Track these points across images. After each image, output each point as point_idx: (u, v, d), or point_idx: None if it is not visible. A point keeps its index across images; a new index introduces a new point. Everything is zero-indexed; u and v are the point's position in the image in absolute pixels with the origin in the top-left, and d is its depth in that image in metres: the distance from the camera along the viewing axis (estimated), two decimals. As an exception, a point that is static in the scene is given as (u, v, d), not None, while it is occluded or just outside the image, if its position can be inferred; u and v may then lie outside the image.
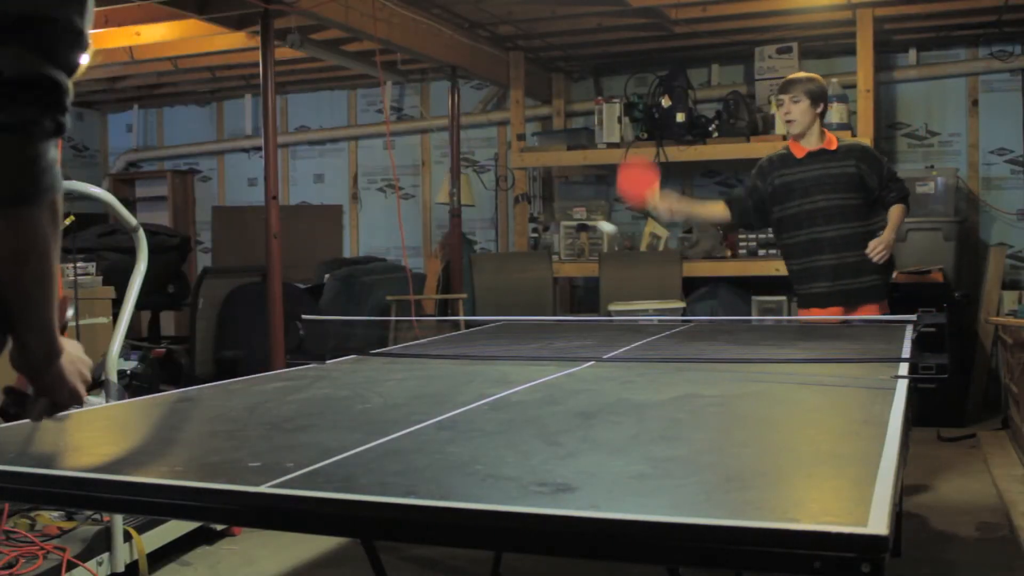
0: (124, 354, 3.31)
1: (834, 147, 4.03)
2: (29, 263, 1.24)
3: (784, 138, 6.11)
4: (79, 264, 4.90)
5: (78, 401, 1.50)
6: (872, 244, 3.94)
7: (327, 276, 7.08)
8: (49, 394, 1.47)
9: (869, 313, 3.97)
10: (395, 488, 1.36)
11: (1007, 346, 5.58)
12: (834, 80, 6.29)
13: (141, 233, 3.33)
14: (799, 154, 4.06)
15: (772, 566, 1.12)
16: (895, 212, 4.00)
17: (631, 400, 2.11)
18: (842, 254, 4.01)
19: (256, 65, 4.91)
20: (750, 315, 6.30)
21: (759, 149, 6.18)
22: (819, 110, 4.01)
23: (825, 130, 4.09)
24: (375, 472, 1.47)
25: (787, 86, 4.04)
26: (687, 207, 4.33)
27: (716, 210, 4.33)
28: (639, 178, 4.07)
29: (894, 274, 4.28)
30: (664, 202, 4.07)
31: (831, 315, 3.99)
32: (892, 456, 1.44)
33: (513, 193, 7.26)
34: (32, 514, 3.35)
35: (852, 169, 3.99)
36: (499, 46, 6.76)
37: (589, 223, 6.91)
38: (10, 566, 3.00)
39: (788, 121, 4.03)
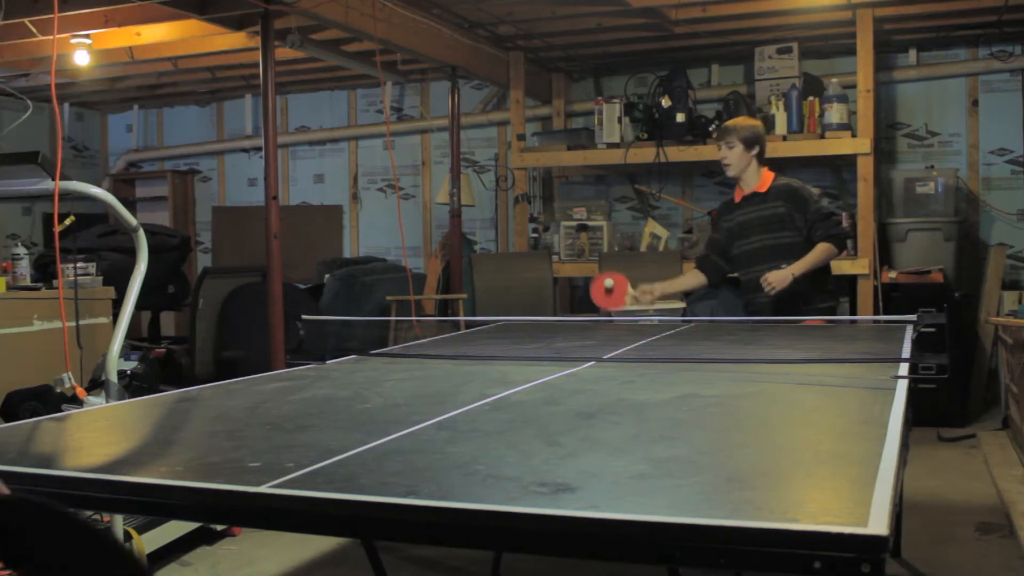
0: (124, 354, 3.30)
1: (764, 189, 4.22)
2: None
3: (784, 138, 6.15)
4: (79, 264, 4.90)
5: None
6: (766, 276, 4.04)
7: (327, 276, 7.08)
8: None
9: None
10: (395, 488, 1.36)
11: (1007, 346, 5.58)
12: (834, 80, 6.29)
13: (141, 233, 3.33)
14: (737, 198, 4.31)
15: (772, 566, 1.12)
16: (815, 249, 4.07)
17: (631, 400, 2.11)
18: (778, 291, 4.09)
19: (256, 65, 4.91)
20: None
21: (759, 149, 6.19)
22: (754, 152, 4.20)
23: (764, 170, 4.25)
24: (375, 472, 1.48)
25: (722, 133, 4.26)
26: (667, 289, 4.47)
27: (693, 279, 4.56)
28: (614, 290, 4.32)
29: (836, 301, 4.37)
30: (645, 297, 4.33)
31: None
32: (892, 456, 1.44)
33: (513, 193, 7.26)
34: (32, 514, 3.34)
35: (781, 209, 4.15)
36: (499, 46, 6.76)
37: (590, 223, 6.91)
38: (10, 566, 3.00)
39: (725, 165, 4.24)
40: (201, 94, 8.60)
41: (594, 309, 6.69)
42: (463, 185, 6.96)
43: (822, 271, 4.16)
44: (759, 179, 4.23)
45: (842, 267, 6.11)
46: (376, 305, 6.67)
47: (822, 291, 4.19)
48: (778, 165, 6.93)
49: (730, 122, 4.36)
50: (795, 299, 4.07)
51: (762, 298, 4.10)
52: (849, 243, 5.75)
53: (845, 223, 4.50)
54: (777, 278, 4.00)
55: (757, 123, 4.34)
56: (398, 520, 1.28)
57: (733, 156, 4.19)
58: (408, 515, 1.26)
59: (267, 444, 1.72)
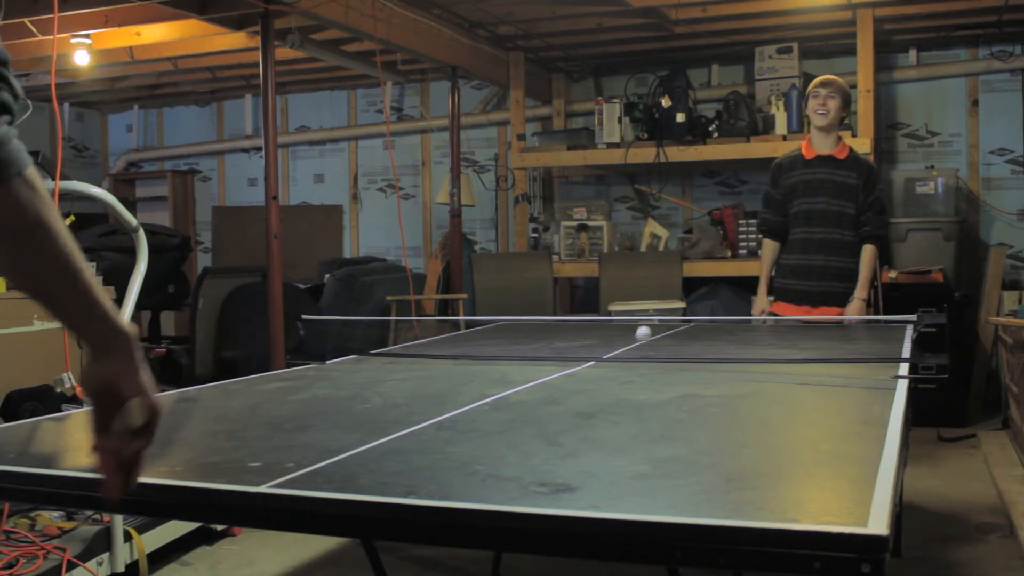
0: (124, 354, 3.29)
1: (843, 156, 4.23)
2: (36, 238, 1.10)
3: (784, 138, 6.14)
4: (79, 264, 4.88)
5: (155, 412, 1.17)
6: (851, 309, 4.15)
7: (327, 276, 7.08)
8: (138, 392, 1.14)
9: (829, 313, 4.19)
10: (395, 488, 1.36)
11: (1007, 346, 5.58)
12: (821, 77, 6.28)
13: (141, 233, 3.33)
14: (808, 155, 4.26)
15: (772, 566, 1.12)
16: (865, 259, 4.20)
17: (631, 400, 2.11)
18: (829, 257, 4.22)
19: (256, 65, 4.91)
20: (750, 315, 6.29)
21: (759, 149, 6.20)
22: (844, 113, 4.26)
23: (841, 136, 4.30)
24: (375, 472, 1.47)
25: (825, 83, 4.23)
26: (766, 280, 4.46)
27: (772, 254, 4.46)
28: None
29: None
30: (760, 305, 4.43)
31: (796, 313, 4.23)
32: (892, 456, 1.44)
33: (513, 193, 7.26)
34: (32, 514, 3.35)
35: (854, 180, 4.19)
36: (499, 46, 6.75)
37: (590, 223, 6.91)
38: (10, 566, 3.00)
39: (820, 113, 4.19)
40: (201, 94, 8.60)
41: (594, 309, 6.69)
42: (463, 185, 6.96)
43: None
44: (838, 144, 4.24)
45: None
46: (376, 305, 6.67)
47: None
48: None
49: (829, 76, 4.37)
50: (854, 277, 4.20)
51: (804, 285, 4.22)
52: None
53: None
54: (856, 312, 4.14)
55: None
56: (398, 520, 1.28)
57: (832, 106, 4.18)
58: (408, 515, 1.26)
59: (267, 444, 1.72)
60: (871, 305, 4.56)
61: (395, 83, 8.05)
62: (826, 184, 4.21)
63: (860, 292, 4.16)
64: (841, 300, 4.20)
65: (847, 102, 4.26)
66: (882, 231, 4.25)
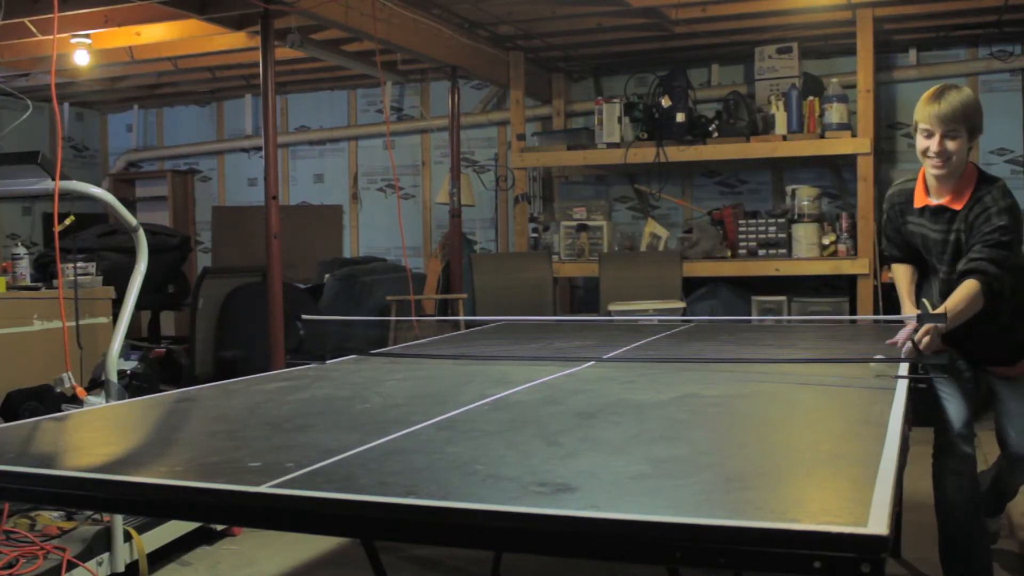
0: (124, 354, 3.30)
1: (960, 206, 2.92)
2: None
3: (784, 138, 6.14)
4: (79, 264, 4.90)
5: None
6: (920, 338, 2.76)
7: (327, 276, 7.08)
8: None
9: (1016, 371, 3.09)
10: (395, 488, 1.36)
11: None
12: (834, 80, 6.29)
13: (141, 233, 3.33)
14: (917, 203, 3.04)
15: (772, 566, 1.12)
16: (956, 293, 2.84)
17: (631, 400, 2.11)
18: (971, 326, 2.89)
19: (256, 65, 4.91)
20: (750, 315, 6.30)
21: (759, 149, 6.20)
22: (971, 145, 2.90)
23: (967, 168, 2.93)
24: (375, 472, 1.47)
25: (944, 117, 2.81)
26: (908, 295, 3.21)
27: (909, 274, 3.22)
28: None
29: None
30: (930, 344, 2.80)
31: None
32: (892, 456, 1.44)
33: (513, 193, 7.25)
34: (32, 514, 3.35)
35: (964, 235, 2.94)
36: (499, 46, 6.75)
37: (590, 223, 6.91)
38: (10, 566, 3.00)
39: (935, 165, 2.87)
40: (201, 94, 8.60)
41: (594, 309, 6.69)
42: (463, 185, 6.96)
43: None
44: (957, 185, 2.92)
45: (842, 267, 6.12)
46: (376, 305, 6.67)
47: None
48: (778, 165, 7.00)
49: (950, 98, 2.82)
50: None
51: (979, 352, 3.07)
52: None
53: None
54: (927, 334, 2.76)
55: (975, 98, 2.90)
56: (398, 520, 1.28)
57: (955, 148, 2.83)
58: (408, 515, 1.26)
59: (267, 444, 1.72)
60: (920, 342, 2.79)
61: (395, 83, 8.05)
62: (939, 247, 3.01)
63: (940, 326, 2.74)
64: (1000, 360, 3.09)
65: (977, 128, 2.87)
66: (988, 266, 2.80)
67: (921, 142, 2.88)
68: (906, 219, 3.11)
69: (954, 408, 2.98)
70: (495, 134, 7.94)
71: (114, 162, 9.16)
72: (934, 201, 2.97)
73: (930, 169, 2.91)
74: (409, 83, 8.09)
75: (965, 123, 2.82)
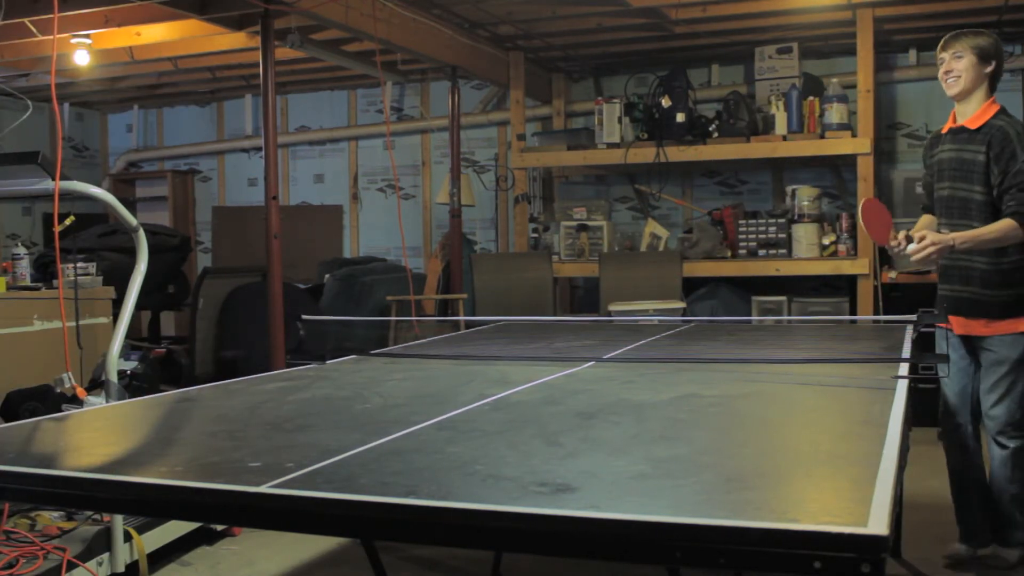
0: (124, 354, 3.30)
1: (976, 126, 3.28)
2: None
3: (784, 138, 6.14)
4: (79, 264, 4.90)
5: None
6: (922, 233, 3.17)
7: (327, 276, 7.08)
8: None
9: (1003, 330, 3.29)
10: (395, 488, 1.36)
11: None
12: (834, 80, 6.29)
13: (141, 233, 3.33)
14: (944, 129, 3.43)
15: (772, 566, 1.12)
16: (995, 224, 3.17)
17: (631, 400, 2.11)
18: (958, 257, 3.32)
19: (256, 65, 4.91)
20: (750, 315, 6.30)
21: (759, 149, 6.20)
22: (988, 70, 3.26)
23: (990, 101, 3.30)
24: (375, 472, 1.48)
25: (947, 43, 3.31)
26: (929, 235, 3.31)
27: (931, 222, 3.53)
28: (880, 223, 3.37)
29: None
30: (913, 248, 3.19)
31: (955, 326, 3.36)
32: (892, 456, 1.44)
33: (513, 193, 7.25)
34: (32, 514, 3.35)
35: (982, 156, 3.24)
36: (499, 46, 6.75)
37: (590, 223, 6.91)
38: (10, 566, 3.00)
39: (949, 82, 3.30)
40: (201, 94, 8.60)
41: (594, 309, 6.70)
42: (463, 185, 6.96)
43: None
44: (978, 110, 3.28)
45: (842, 267, 6.12)
46: (376, 305, 6.68)
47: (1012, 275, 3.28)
48: (778, 165, 7.00)
49: (959, 31, 3.35)
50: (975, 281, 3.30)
51: (947, 290, 3.39)
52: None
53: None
54: (931, 242, 3.11)
55: (995, 36, 3.34)
56: (398, 520, 1.28)
57: (963, 67, 3.24)
58: (408, 515, 1.26)
59: (267, 444, 1.72)
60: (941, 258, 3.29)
61: (395, 83, 8.05)
62: (951, 164, 3.34)
63: (957, 236, 3.14)
64: (983, 311, 3.30)
65: (986, 55, 3.24)
66: None
67: (940, 73, 3.34)
68: (933, 152, 3.46)
69: (947, 383, 3.42)
70: (495, 134, 7.94)
71: (114, 162, 9.16)
72: (957, 123, 3.35)
73: (946, 90, 3.33)
74: (409, 83, 8.09)
75: (970, 45, 3.25)
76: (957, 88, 3.28)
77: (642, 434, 1.76)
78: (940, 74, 3.34)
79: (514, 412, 1.99)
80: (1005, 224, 3.15)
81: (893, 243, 3.27)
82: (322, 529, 1.43)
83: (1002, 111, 3.30)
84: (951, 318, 3.36)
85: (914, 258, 3.14)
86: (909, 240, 3.18)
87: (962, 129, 3.32)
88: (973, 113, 3.30)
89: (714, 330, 3.97)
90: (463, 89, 7.27)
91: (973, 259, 3.30)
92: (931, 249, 3.10)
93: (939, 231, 3.30)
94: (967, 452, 3.50)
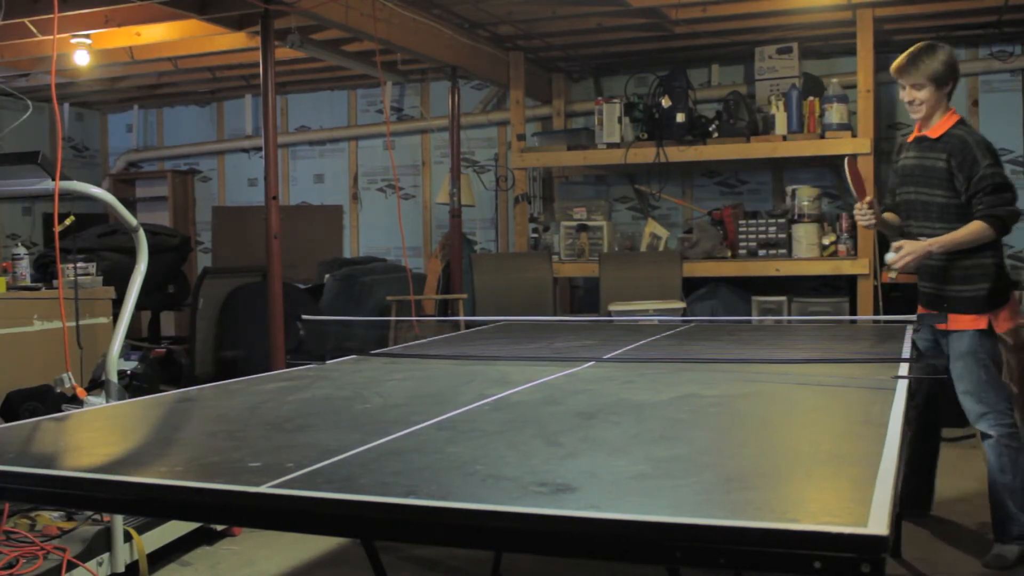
0: (124, 354, 3.30)
1: (936, 135, 3.56)
2: None
3: (784, 138, 6.14)
4: (79, 264, 4.90)
5: None
6: (901, 242, 3.54)
7: (327, 276, 7.08)
8: None
9: (964, 326, 3.54)
10: (395, 488, 1.36)
11: (1007, 346, 5.57)
12: (834, 80, 6.29)
13: (141, 233, 3.33)
14: (910, 138, 3.73)
15: (772, 566, 1.12)
16: (966, 227, 3.47)
17: (631, 400, 2.11)
18: (933, 256, 3.57)
19: (256, 65, 4.91)
20: (750, 315, 6.30)
21: (759, 149, 6.20)
22: (946, 91, 3.55)
23: (950, 112, 3.59)
24: (375, 472, 1.48)
25: (903, 70, 3.54)
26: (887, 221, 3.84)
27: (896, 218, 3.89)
28: (860, 180, 3.77)
29: (1003, 279, 3.62)
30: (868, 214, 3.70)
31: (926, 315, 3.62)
32: (892, 457, 1.44)
33: (513, 193, 7.26)
34: (32, 514, 3.35)
35: (942, 163, 3.52)
36: (499, 46, 6.75)
37: (590, 223, 6.91)
38: (10, 566, 3.00)
39: (914, 112, 3.59)
40: (201, 94, 8.60)
41: (594, 309, 6.70)
42: (463, 185, 6.96)
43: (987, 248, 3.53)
44: (940, 121, 3.57)
45: (842, 267, 6.12)
46: (376, 305, 6.68)
47: (979, 270, 3.54)
48: (778, 165, 7.00)
49: (913, 52, 3.55)
50: (986, 277, 3.53)
51: (920, 286, 3.70)
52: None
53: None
54: (908, 251, 3.50)
55: (947, 49, 3.57)
56: (398, 520, 1.28)
57: (924, 97, 3.51)
58: (408, 515, 1.26)
59: (267, 444, 1.72)
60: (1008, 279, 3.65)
61: (395, 83, 8.05)
62: (915, 170, 3.62)
63: (932, 242, 3.48)
64: (949, 306, 3.57)
65: (943, 79, 3.50)
66: (999, 210, 3.42)
67: (901, 94, 3.62)
68: (899, 159, 3.76)
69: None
70: (495, 134, 7.94)
71: (114, 162, 9.16)
72: (921, 133, 3.64)
73: (911, 115, 3.64)
74: (409, 83, 8.09)
75: (927, 75, 3.50)
76: (922, 114, 3.58)
77: (642, 434, 1.76)
78: (903, 99, 3.61)
79: (514, 412, 1.99)
80: (976, 226, 3.45)
81: (864, 204, 3.67)
82: (322, 529, 1.42)
83: (960, 121, 3.58)
84: (921, 311, 3.74)
85: (895, 267, 3.57)
86: (873, 209, 3.68)
87: (924, 138, 3.61)
88: (935, 124, 3.59)
89: (714, 330, 3.97)
90: (463, 89, 7.27)
91: (952, 257, 3.56)
92: (908, 259, 3.50)
93: (905, 231, 3.69)
94: (920, 428, 3.91)
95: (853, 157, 3.83)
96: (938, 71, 3.49)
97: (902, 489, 3.62)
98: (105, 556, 3.28)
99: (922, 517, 3.95)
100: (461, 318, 5.96)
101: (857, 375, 2.49)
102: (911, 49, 3.57)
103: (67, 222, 3.37)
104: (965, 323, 3.54)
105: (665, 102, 6.41)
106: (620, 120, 6.51)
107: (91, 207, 6.00)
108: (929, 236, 3.56)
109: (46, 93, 4.29)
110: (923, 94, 3.52)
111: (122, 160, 9.10)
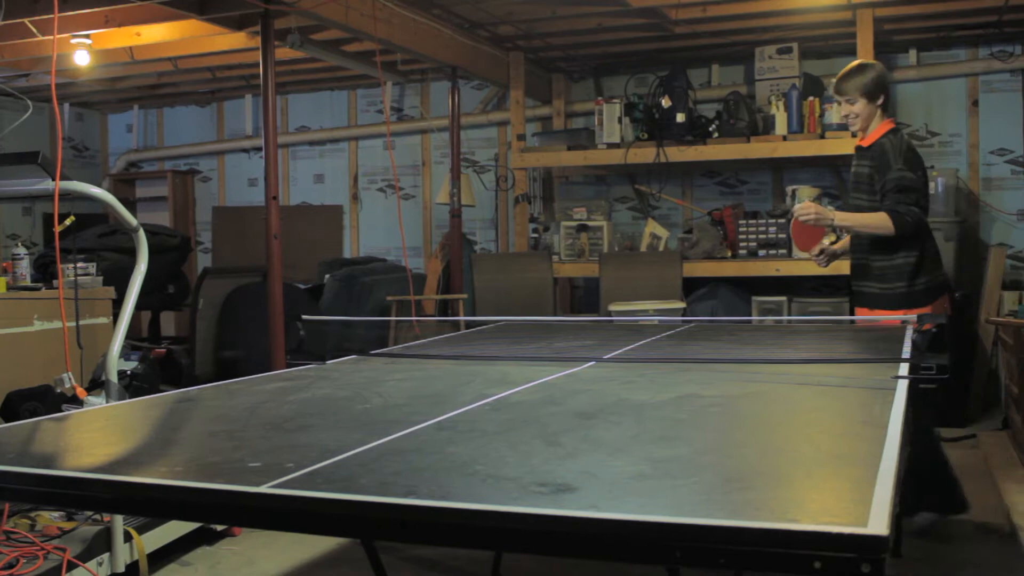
0: (124, 354, 3.30)
1: (868, 144, 3.82)
2: None
3: (784, 138, 6.14)
4: (79, 264, 4.90)
5: None
6: (806, 202, 3.93)
7: (327, 276, 7.08)
8: None
9: (862, 314, 3.94)
10: (395, 488, 1.36)
11: (1007, 346, 5.57)
12: (834, 80, 6.29)
13: (141, 233, 3.33)
14: (853, 149, 3.98)
15: (772, 566, 1.12)
16: (872, 214, 3.72)
17: (631, 400, 2.10)
18: (856, 255, 3.93)
19: (256, 65, 4.91)
20: (750, 315, 6.30)
21: (759, 149, 6.20)
22: (879, 103, 3.78)
23: (885, 121, 3.83)
24: (375, 472, 1.47)
25: (838, 85, 3.83)
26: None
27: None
28: (810, 233, 4.01)
29: (923, 279, 3.81)
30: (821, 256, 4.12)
31: (860, 315, 3.98)
32: (892, 456, 1.44)
33: (513, 193, 7.26)
34: (32, 514, 3.35)
35: (866, 169, 3.79)
36: (499, 46, 6.76)
37: (590, 223, 6.91)
38: (10, 566, 3.00)
39: (850, 122, 3.87)
40: (201, 94, 8.60)
41: (594, 309, 6.70)
42: (463, 185, 6.96)
43: (915, 245, 3.74)
44: (873, 131, 3.81)
45: (842, 267, 6.11)
46: (376, 305, 6.68)
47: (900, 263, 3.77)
48: (778, 165, 7.00)
49: (846, 70, 3.84)
50: (903, 275, 3.77)
51: (866, 287, 3.90)
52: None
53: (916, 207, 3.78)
54: (813, 209, 3.75)
55: (877, 66, 3.87)
56: (398, 520, 1.28)
57: (857, 110, 3.78)
58: (408, 515, 1.26)
59: (267, 444, 1.71)
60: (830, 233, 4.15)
61: (395, 83, 8.05)
62: (853, 178, 3.90)
63: (838, 215, 3.76)
64: (872, 301, 3.87)
65: (874, 92, 3.75)
66: (901, 208, 3.63)
67: (838, 110, 3.98)
68: (852, 165, 3.97)
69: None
70: (495, 134, 7.95)
71: (114, 162, 9.16)
72: (859, 142, 3.91)
73: (849, 127, 3.97)
74: (409, 83, 8.09)
75: (857, 89, 3.77)
76: (857, 127, 3.86)
77: (642, 434, 1.76)
78: (841, 114, 3.91)
79: (514, 412, 1.98)
80: (878, 215, 3.69)
81: (814, 255, 4.07)
82: (322, 529, 1.42)
83: (892, 131, 3.82)
84: (857, 310, 4.01)
85: (801, 217, 3.75)
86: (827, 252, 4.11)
87: (860, 148, 3.89)
88: (869, 134, 3.84)
89: (714, 330, 3.97)
90: (463, 89, 7.27)
91: (870, 257, 3.84)
92: (812, 214, 3.72)
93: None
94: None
95: (795, 217, 3.90)
96: (867, 86, 3.76)
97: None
98: (105, 556, 3.29)
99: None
100: (461, 318, 5.96)
101: (857, 375, 2.48)
102: (845, 68, 3.87)
103: (67, 222, 3.36)
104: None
105: (665, 102, 6.41)
106: (620, 120, 6.51)
107: (91, 207, 6.00)
108: (860, 241, 3.88)
109: (46, 93, 4.29)
110: (856, 107, 3.78)
111: (122, 160, 9.10)
